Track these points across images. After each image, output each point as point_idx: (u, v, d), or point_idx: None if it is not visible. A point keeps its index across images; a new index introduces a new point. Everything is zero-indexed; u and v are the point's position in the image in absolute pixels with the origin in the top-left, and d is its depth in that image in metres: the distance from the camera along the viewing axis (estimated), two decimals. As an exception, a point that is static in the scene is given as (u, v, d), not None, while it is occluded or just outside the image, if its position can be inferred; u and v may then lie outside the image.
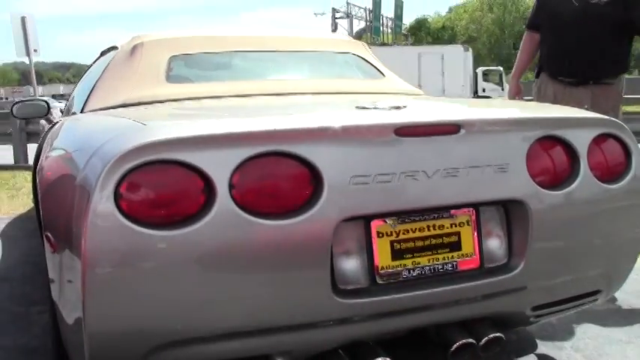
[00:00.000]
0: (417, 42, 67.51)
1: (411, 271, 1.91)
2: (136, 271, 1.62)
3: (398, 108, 2.07)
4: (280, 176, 1.76)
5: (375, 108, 2.04)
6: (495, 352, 2.10)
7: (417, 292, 1.90)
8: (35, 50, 11.33)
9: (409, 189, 1.85)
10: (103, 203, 1.59)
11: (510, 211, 2.04)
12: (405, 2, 47.27)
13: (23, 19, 10.89)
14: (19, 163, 10.19)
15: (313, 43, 3.42)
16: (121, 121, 2.10)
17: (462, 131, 1.92)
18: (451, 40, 72.58)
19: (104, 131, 1.86)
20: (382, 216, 1.87)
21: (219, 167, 1.68)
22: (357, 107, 2.08)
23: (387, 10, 44.33)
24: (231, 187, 1.68)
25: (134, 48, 3.00)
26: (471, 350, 2.04)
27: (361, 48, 3.55)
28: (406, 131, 1.85)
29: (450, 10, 79.42)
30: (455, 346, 2.01)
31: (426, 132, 1.89)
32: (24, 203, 6.57)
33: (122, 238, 1.60)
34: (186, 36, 3.21)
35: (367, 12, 41.88)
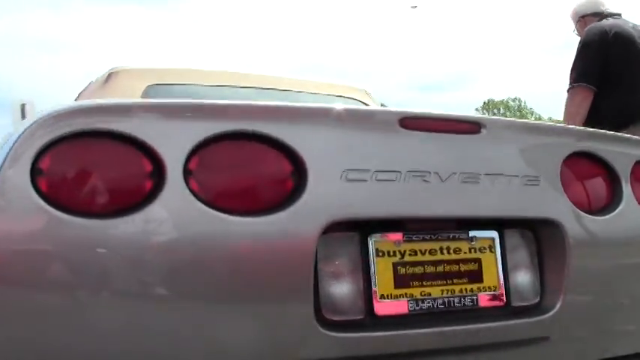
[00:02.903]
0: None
1: (420, 304, 1.49)
2: (47, 267, 1.21)
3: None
4: (251, 163, 1.38)
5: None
6: None
7: (426, 331, 1.46)
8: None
9: (417, 192, 1.46)
10: (15, 178, 1.20)
11: (542, 237, 1.64)
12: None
13: (23, 106, 10.74)
14: None
15: (311, 85, 3.11)
16: None
17: (484, 131, 1.56)
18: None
19: None
20: (382, 227, 1.47)
21: (172, 145, 1.30)
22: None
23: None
24: (187, 172, 1.30)
25: (109, 76, 2.70)
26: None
27: (364, 94, 3.24)
28: (414, 124, 1.49)
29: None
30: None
31: (439, 127, 1.53)
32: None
33: (37, 224, 1.20)
34: (168, 68, 2.91)
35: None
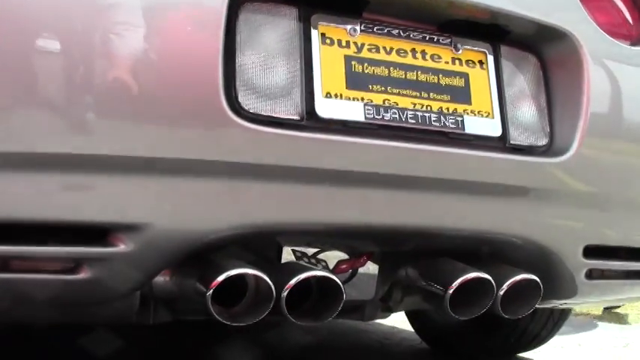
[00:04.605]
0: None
1: (381, 112, 1.08)
2: None
3: None
4: None
5: None
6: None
7: (389, 144, 1.05)
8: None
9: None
10: None
11: (551, 60, 1.24)
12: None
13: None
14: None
15: None
16: None
17: None
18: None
19: None
20: (332, 7, 1.08)
21: None
22: None
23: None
24: None
25: None
26: (482, 300, 1.16)
27: None
28: None
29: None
30: (457, 282, 1.14)
31: None
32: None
33: None
34: None
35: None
